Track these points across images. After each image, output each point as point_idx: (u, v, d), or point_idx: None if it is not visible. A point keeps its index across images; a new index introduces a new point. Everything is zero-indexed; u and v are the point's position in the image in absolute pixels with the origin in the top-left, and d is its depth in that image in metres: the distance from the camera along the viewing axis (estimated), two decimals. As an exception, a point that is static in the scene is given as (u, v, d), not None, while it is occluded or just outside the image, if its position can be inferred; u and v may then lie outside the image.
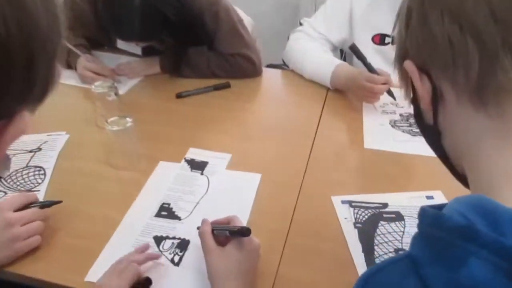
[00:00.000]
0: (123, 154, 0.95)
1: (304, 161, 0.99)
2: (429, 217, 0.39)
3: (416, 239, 0.41)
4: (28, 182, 0.92)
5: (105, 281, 0.66)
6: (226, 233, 0.68)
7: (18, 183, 0.92)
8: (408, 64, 0.48)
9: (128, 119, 0.91)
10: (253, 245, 0.67)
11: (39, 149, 1.02)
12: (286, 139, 1.08)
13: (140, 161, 0.98)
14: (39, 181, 0.92)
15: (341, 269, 0.74)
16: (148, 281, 0.69)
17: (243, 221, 0.81)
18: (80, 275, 0.72)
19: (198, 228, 0.73)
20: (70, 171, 0.96)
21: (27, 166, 0.97)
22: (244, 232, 0.65)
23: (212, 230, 0.71)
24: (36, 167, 0.96)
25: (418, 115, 0.54)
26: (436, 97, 0.47)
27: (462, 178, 0.50)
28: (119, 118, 0.92)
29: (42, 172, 0.95)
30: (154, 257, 0.74)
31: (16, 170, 0.95)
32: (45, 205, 0.80)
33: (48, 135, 1.06)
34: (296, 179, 0.93)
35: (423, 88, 0.47)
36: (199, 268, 0.73)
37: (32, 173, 0.94)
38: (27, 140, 1.04)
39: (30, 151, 1.01)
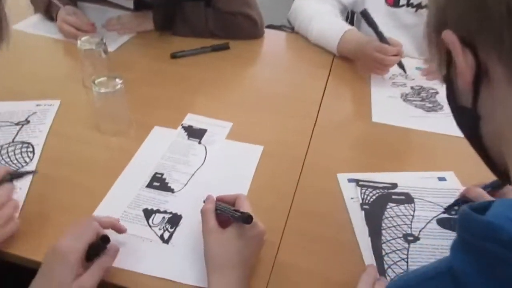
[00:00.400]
0: (112, 118, 0.87)
1: (307, 133, 0.92)
2: (479, 227, 0.33)
3: (458, 250, 0.35)
4: (15, 161, 0.82)
5: (59, 242, 0.57)
6: (228, 216, 0.62)
7: (2, 163, 0.81)
8: (448, 35, 0.40)
9: (117, 80, 0.83)
10: (256, 231, 0.61)
11: (27, 121, 0.91)
12: (289, 108, 1.00)
13: (131, 127, 0.90)
14: (27, 159, 0.83)
15: (346, 254, 0.68)
16: (105, 240, 0.59)
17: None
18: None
19: (204, 202, 0.67)
20: (56, 138, 0.88)
21: (13, 141, 0.86)
22: (245, 219, 0.58)
23: (216, 209, 0.64)
24: (23, 143, 0.86)
25: (451, 94, 0.47)
26: (480, 76, 0.40)
27: (500, 170, 0.44)
28: (107, 79, 0.83)
29: (30, 149, 0.85)
30: (118, 228, 0.65)
31: (1, 146, 0.85)
32: (16, 175, 0.72)
33: (37, 105, 0.96)
34: (299, 153, 0.87)
35: (465, 64, 0.40)
36: (191, 248, 0.67)
37: (18, 150, 0.84)
38: (14, 110, 0.94)
39: (17, 124, 0.91)
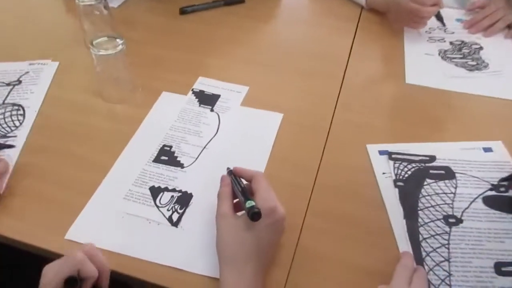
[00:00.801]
0: (115, 84, 0.78)
1: (333, 97, 0.82)
2: None
3: None
4: (4, 125, 0.75)
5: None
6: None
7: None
8: None
9: (118, 40, 0.73)
10: (275, 217, 0.52)
11: (19, 82, 0.84)
12: (312, 69, 0.89)
13: (137, 93, 0.82)
14: (17, 123, 0.76)
15: (377, 239, 0.60)
16: (69, 283, 0.48)
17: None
18: (60, 234, 0.59)
19: (228, 170, 0.60)
20: (53, 104, 0.80)
21: (3, 103, 0.80)
22: (251, 216, 0.50)
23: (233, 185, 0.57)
24: (14, 105, 0.79)
25: None
26: None
27: None
28: (108, 40, 0.74)
29: (20, 112, 0.78)
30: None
31: (-11, 109, 0.79)
32: None
33: (30, 64, 0.88)
34: (323, 121, 0.77)
35: None
36: (202, 232, 0.60)
37: (9, 113, 0.78)
38: (6, 70, 0.86)
39: (8, 84, 0.84)
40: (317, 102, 0.81)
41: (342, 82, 0.86)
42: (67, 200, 0.64)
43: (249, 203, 0.51)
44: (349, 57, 0.92)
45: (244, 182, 0.58)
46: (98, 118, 0.78)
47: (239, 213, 0.54)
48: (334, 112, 0.79)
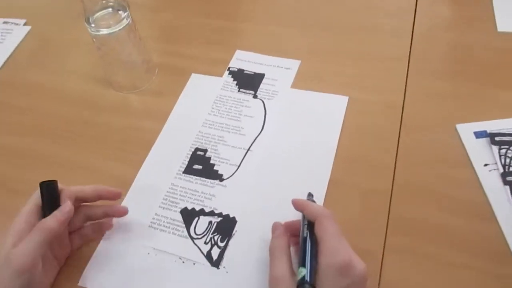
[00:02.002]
0: (125, 68, 0.61)
1: (403, 66, 0.61)
2: None
3: None
4: None
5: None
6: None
7: None
8: None
9: (121, 12, 0.56)
10: (351, 278, 0.35)
11: None
12: (375, 27, 0.68)
13: (154, 76, 0.65)
14: None
15: (484, 253, 0.43)
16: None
17: (322, 183, 0.50)
18: (72, 280, 0.46)
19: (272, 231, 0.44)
20: (45, 92, 0.66)
21: None
22: None
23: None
24: None
25: None
26: None
27: None
28: (112, 12, 0.56)
29: None
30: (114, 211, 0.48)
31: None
32: None
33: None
34: (394, 96, 0.58)
35: None
36: (252, 274, 0.44)
37: None
38: None
39: None
40: (384, 75, 0.61)
41: (412, 37, 0.65)
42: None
43: (300, 273, 0.35)
44: (416, 4, 0.70)
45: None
46: (107, 114, 0.62)
47: None
48: (406, 82, 0.59)
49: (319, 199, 0.49)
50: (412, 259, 0.44)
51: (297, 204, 0.42)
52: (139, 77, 0.63)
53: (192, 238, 0.48)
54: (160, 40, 0.71)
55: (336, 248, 0.36)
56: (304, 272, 0.35)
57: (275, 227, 0.43)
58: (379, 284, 0.43)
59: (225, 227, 0.48)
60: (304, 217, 0.41)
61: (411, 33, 0.66)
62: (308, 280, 0.35)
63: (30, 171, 0.56)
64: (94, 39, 0.57)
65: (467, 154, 0.51)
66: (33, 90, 0.67)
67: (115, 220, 0.49)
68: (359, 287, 0.36)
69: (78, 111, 0.62)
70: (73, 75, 0.68)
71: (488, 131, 0.52)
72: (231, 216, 0.49)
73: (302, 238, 0.39)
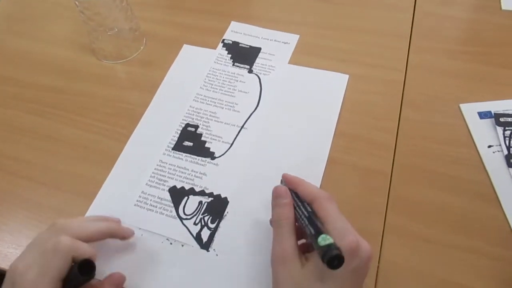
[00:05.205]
0: (110, 35, 0.57)
1: (404, 43, 0.58)
2: None
3: None
4: None
5: (19, 273, 0.34)
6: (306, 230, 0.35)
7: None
8: None
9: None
10: (359, 259, 0.33)
11: None
12: (376, 5, 0.64)
13: (142, 45, 0.61)
14: None
15: (487, 238, 0.41)
16: (85, 270, 0.35)
17: (320, 163, 0.47)
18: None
19: (274, 195, 0.39)
20: (12, 59, 0.61)
21: None
22: (329, 262, 0.30)
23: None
24: None
25: None
26: None
27: None
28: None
29: None
30: (120, 235, 0.42)
31: None
32: None
33: None
34: (396, 74, 0.55)
35: None
36: (243, 259, 0.42)
37: None
38: None
39: None
40: (386, 51, 0.58)
41: (414, 14, 0.62)
42: (57, 207, 0.47)
43: (324, 239, 0.32)
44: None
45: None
46: (90, 85, 0.57)
47: (308, 254, 0.35)
48: (407, 60, 0.56)
49: (317, 178, 0.46)
50: (412, 239, 0.42)
51: (290, 181, 0.39)
52: (125, 45, 0.59)
53: (180, 219, 0.45)
54: (149, 7, 0.66)
55: (343, 229, 0.33)
56: (330, 239, 0.32)
57: (280, 193, 0.38)
58: (378, 265, 0.41)
59: (216, 207, 0.46)
60: (295, 194, 0.38)
61: (413, 9, 0.63)
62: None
63: (9, 145, 0.52)
64: (76, 2, 0.52)
65: (470, 134, 0.49)
66: (11, 57, 0.62)
67: (99, 196, 0.46)
68: (366, 267, 0.33)
69: (60, 80, 0.58)
70: (54, 42, 0.63)
71: (493, 112, 0.50)
72: (222, 196, 0.46)
73: (306, 213, 0.36)
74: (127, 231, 0.43)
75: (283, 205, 0.37)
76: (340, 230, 0.33)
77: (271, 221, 0.39)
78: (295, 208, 0.37)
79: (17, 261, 0.36)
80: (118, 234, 0.42)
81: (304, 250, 0.36)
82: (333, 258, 0.30)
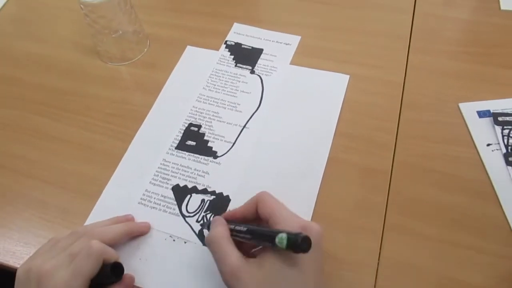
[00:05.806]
0: (115, 38, 0.58)
1: (404, 43, 0.59)
2: None
3: None
4: None
5: (44, 275, 0.36)
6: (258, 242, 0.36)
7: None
8: None
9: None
10: (313, 234, 0.33)
11: None
12: (376, 6, 0.65)
13: (146, 47, 0.62)
14: None
15: (487, 238, 0.41)
16: (117, 271, 0.39)
17: (321, 162, 0.48)
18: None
19: (206, 226, 0.42)
20: (19, 60, 0.62)
21: None
22: (301, 245, 0.31)
23: (232, 234, 0.37)
24: None
25: None
26: None
27: None
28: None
29: None
30: (139, 233, 0.45)
31: None
32: None
33: None
34: (396, 74, 0.56)
35: None
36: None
37: None
38: None
39: None
40: (385, 52, 0.58)
41: (413, 14, 0.63)
42: (63, 205, 0.48)
43: (281, 238, 0.32)
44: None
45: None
46: (94, 87, 0.59)
47: (257, 255, 0.35)
48: (407, 60, 0.57)
49: (317, 177, 0.47)
50: (412, 237, 0.43)
51: (225, 216, 0.40)
52: (130, 48, 0.60)
53: (183, 216, 0.46)
54: (152, 10, 0.68)
55: (289, 214, 0.36)
56: (283, 234, 0.32)
57: (213, 220, 0.40)
58: (378, 262, 0.41)
59: (218, 205, 0.46)
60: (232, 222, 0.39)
61: (412, 11, 0.63)
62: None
63: (16, 145, 0.53)
64: (81, 6, 0.53)
65: (469, 133, 0.50)
66: (18, 59, 0.63)
67: (104, 194, 0.47)
68: (319, 246, 0.34)
69: (66, 82, 0.59)
70: (59, 45, 0.65)
71: (491, 111, 0.51)
72: (224, 194, 0.47)
73: (244, 228, 0.36)
74: (144, 227, 0.45)
75: (216, 226, 0.38)
76: (287, 216, 0.36)
77: (207, 243, 0.38)
78: (233, 234, 0.37)
79: (39, 262, 0.37)
80: (137, 232, 0.44)
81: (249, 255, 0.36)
82: (302, 243, 0.31)
